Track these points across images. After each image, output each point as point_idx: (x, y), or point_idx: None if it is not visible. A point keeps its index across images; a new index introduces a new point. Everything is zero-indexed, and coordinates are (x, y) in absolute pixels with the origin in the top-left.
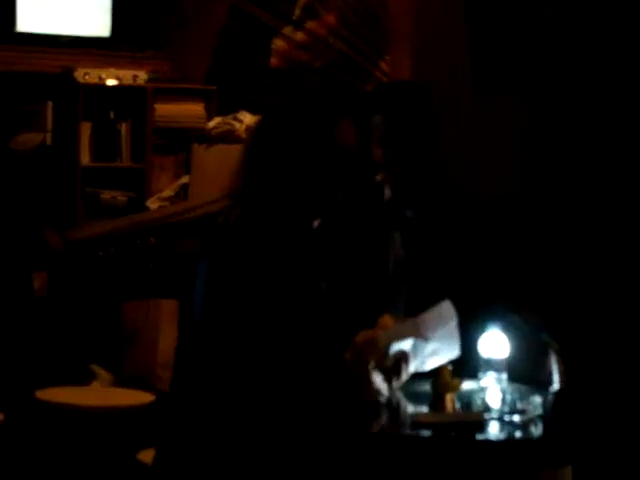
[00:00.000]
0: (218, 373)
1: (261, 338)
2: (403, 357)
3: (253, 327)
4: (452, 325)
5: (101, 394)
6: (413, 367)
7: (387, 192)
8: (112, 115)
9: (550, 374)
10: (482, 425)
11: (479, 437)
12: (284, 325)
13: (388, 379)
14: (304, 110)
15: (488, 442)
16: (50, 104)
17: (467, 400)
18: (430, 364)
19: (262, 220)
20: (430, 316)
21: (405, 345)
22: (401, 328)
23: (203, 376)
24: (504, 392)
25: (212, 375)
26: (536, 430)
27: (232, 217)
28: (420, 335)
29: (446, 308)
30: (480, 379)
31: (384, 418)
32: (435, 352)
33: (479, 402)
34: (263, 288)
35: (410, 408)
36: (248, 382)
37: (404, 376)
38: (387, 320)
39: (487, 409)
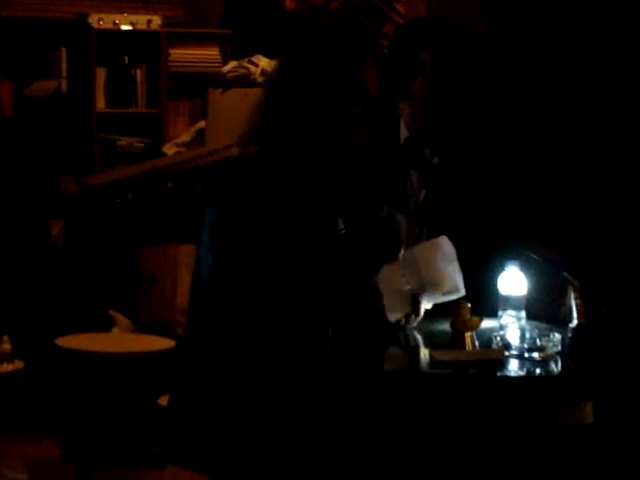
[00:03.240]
0: (233, 318)
1: (278, 282)
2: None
3: (270, 271)
4: (454, 264)
5: (120, 340)
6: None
7: (404, 131)
8: (127, 60)
9: (569, 311)
10: (502, 362)
11: (499, 374)
12: (302, 268)
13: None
14: (330, 49)
15: (508, 379)
16: (64, 50)
17: (486, 338)
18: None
19: (278, 160)
20: (430, 254)
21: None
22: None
23: (217, 322)
24: (523, 330)
25: (226, 320)
26: (556, 367)
27: (246, 157)
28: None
29: (446, 245)
30: (499, 317)
31: (403, 358)
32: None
33: (498, 340)
34: (281, 230)
35: (429, 346)
36: (263, 326)
37: (421, 312)
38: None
39: (506, 347)
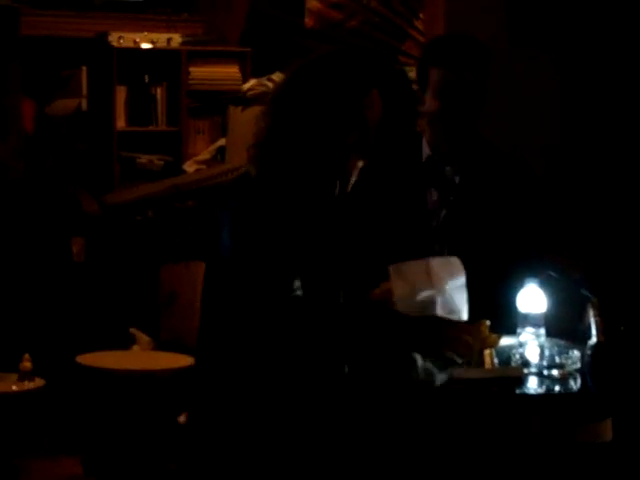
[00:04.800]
0: (239, 332)
1: (281, 302)
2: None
3: (270, 292)
4: (462, 282)
5: (141, 358)
6: None
7: (426, 149)
8: (147, 79)
9: (589, 328)
10: (521, 380)
11: (518, 392)
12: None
13: None
14: (336, 73)
15: (527, 397)
16: (85, 69)
17: (506, 355)
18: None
19: (277, 182)
20: (442, 267)
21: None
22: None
23: (226, 336)
24: (542, 347)
25: (234, 335)
26: (575, 384)
27: (247, 177)
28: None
29: (455, 263)
30: (518, 334)
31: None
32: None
33: (518, 357)
34: (278, 250)
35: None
36: (268, 344)
37: None
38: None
39: (526, 364)
